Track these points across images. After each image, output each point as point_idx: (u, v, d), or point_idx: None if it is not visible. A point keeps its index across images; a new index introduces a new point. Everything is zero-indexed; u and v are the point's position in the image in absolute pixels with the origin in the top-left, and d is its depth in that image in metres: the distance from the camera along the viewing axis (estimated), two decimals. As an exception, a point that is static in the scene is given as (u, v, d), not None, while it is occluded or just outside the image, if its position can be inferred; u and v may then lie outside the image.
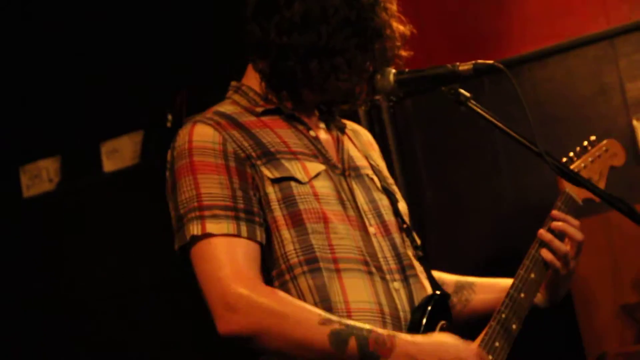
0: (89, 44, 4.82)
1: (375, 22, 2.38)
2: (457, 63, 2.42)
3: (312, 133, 2.46)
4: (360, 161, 2.54)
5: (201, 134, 2.31)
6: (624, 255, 3.76)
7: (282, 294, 2.24)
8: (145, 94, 4.68)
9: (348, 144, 2.56)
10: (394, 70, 2.45)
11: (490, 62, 2.41)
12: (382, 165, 2.68)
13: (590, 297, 3.83)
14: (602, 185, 2.91)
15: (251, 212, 2.28)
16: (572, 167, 2.86)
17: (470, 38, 4.21)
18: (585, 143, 2.96)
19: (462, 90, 2.44)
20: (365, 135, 2.74)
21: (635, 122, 3.89)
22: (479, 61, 2.41)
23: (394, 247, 2.43)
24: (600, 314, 3.80)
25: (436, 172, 4.26)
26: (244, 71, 2.51)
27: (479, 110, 2.43)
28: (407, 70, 2.46)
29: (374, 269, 2.33)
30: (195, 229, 2.24)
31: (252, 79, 2.47)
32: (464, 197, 4.20)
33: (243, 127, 2.36)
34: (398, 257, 2.42)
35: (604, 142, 2.93)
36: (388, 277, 2.36)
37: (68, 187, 4.89)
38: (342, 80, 2.38)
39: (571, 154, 2.89)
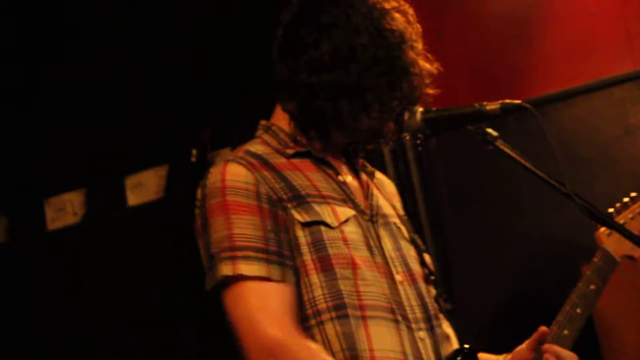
0: (114, 78, 4.84)
1: (403, 59, 2.38)
2: (484, 102, 2.43)
3: (340, 178, 2.45)
4: (388, 209, 2.53)
5: (234, 174, 2.30)
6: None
7: (316, 346, 2.22)
8: (170, 129, 4.70)
9: (376, 191, 2.55)
10: (421, 109, 2.45)
11: (518, 101, 2.42)
12: (403, 215, 2.66)
13: (616, 337, 3.80)
14: None
15: (282, 255, 2.27)
16: (621, 216, 2.81)
17: (495, 77, 4.22)
18: (626, 199, 2.90)
19: (489, 130, 2.44)
20: (390, 186, 2.73)
21: (662, 164, 3.90)
22: (507, 101, 2.41)
23: (420, 296, 2.42)
24: (626, 354, 3.79)
25: (460, 210, 4.26)
26: (272, 110, 2.51)
27: (506, 149, 2.43)
28: (434, 109, 2.46)
29: (400, 317, 2.32)
30: (227, 270, 2.23)
31: (281, 119, 2.47)
32: (488, 236, 4.19)
33: (274, 169, 2.35)
34: (424, 306, 2.41)
35: None
36: (414, 326, 2.34)
37: (92, 221, 4.90)
38: (372, 119, 2.38)
39: (611, 210, 2.82)
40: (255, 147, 2.41)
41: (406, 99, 2.42)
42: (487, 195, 4.19)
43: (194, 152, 4.59)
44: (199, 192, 2.37)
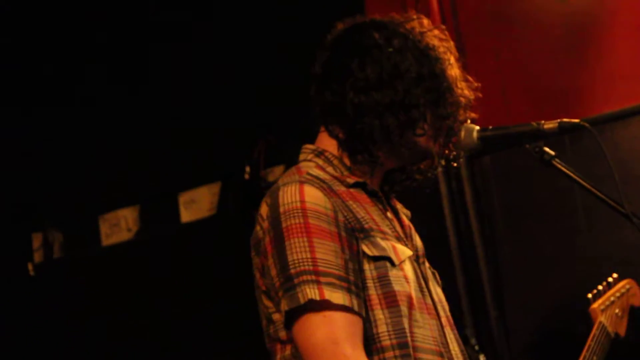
0: (170, 96, 4.90)
1: (445, 77, 2.39)
2: (542, 121, 2.42)
3: (389, 214, 2.43)
4: (423, 251, 2.51)
5: (313, 196, 2.26)
6: None
7: None
8: (223, 146, 4.73)
9: (414, 232, 2.53)
10: (477, 127, 2.45)
11: (576, 120, 2.41)
12: None
13: None
14: (625, 322, 3.02)
15: (358, 287, 2.23)
16: (603, 299, 2.99)
17: (552, 96, 4.20)
18: (610, 279, 3.09)
19: (547, 149, 2.44)
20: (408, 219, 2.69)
21: None
22: (564, 120, 2.41)
23: (458, 341, 2.40)
24: None
25: (514, 230, 4.24)
26: (316, 136, 2.48)
27: (564, 169, 2.42)
28: (490, 127, 2.45)
29: None
30: (312, 293, 2.18)
31: (329, 145, 2.43)
32: (542, 255, 4.16)
33: (339, 197, 2.32)
34: (463, 352, 2.40)
35: (624, 282, 3.02)
36: None
37: (146, 237, 4.93)
38: (417, 135, 2.37)
39: (600, 287, 3.00)
40: (315, 171, 2.37)
41: (451, 117, 2.41)
42: (540, 213, 4.17)
43: (247, 169, 4.60)
44: (265, 210, 2.31)
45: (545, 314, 4.11)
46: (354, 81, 2.36)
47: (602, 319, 2.86)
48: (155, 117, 4.93)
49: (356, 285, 2.22)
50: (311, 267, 2.20)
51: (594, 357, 2.76)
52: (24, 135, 5.16)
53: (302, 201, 2.24)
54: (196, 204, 4.83)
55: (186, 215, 4.85)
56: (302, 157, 2.45)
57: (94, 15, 5.11)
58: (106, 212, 5.03)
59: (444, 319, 2.37)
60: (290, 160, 4.55)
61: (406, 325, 2.25)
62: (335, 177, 2.38)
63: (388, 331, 2.24)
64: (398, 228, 2.44)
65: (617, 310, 2.99)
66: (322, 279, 2.18)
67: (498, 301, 4.20)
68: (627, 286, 3.23)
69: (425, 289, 2.36)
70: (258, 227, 2.31)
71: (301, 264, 2.21)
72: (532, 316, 4.14)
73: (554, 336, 4.06)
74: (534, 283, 4.17)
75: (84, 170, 5.04)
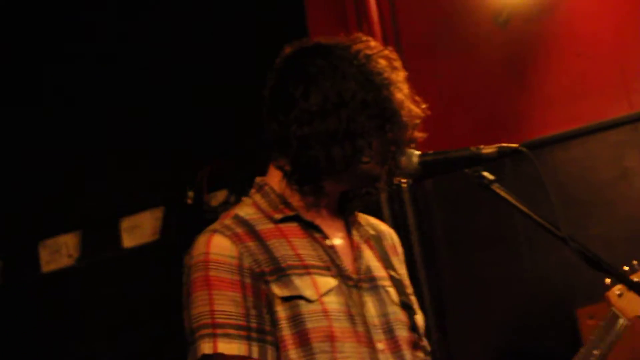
0: (111, 119, 4.87)
1: (391, 101, 2.37)
2: (481, 146, 2.42)
3: (328, 242, 2.40)
4: (378, 272, 2.47)
5: (219, 246, 2.27)
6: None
7: None
8: (166, 171, 4.72)
9: (367, 253, 2.50)
10: (417, 152, 2.43)
11: (515, 145, 2.41)
12: (403, 273, 2.60)
13: None
14: None
15: (263, 331, 2.24)
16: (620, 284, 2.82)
17: (493, 120, 4.24)
18: (636, 262, 2.94)
19: (485, 173, 2.43)
20: (390, 239, 2.67)
21: (658, 206, 3.91)
22: (503, 144, 2.40)
23: None
24: None
25: (456, 252, 4.26)
26: (267, 168, 2.48)
27: (502, 193, 2.41)
28: (431, 152, 2.44)
29: None
30: (206, 348, 2.20)
31: (273, 178, 2.44)
32: (483, 277, 4.18)
33: (259, 238, 2.32)
34: None
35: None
36: None
37: (87, 263, 4.90)
38: (364, 163, 2.36)
39: (626, 268, 2.83)
40: (245, 210, 2.39)
41: (397, 142, 2.40)
42: (482, 237, 4.19)
43: (190, 194, 4.59)
44: (185, 260, 2.32)
45: (487, 337, 4.12)
46: (298, 113, 2.34)
47: (616, 306, 2.75)
48: (98, 140, 4.89)
49: (259, 331, 2.24)
50: (209, 320, 2.22)
51: (594, 351, 2.67)
52: None
53: (207, 252, 2.25)
54: (139, 229, 4.80)
55: (128, 241, 4.82)
56: (250, 192, 2.47)
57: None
58: (46, 238, 4.99)
59: (381, 344, 2.34)
60: (235, 186, 4.54)
61: None
62: (265, 214, 2.38)
63: None
64: (340, 253, 2.41)
65: None
66: (219, 331, 2.20)
67: (440, 324, 4.20)
68: None
69: (357, 317, 2.33)
70: (183, 278, 2.33)
71: (200, 317, 2.23)
72: (474, 339, 4.15)
73: (497, 356, 4.09)
74: (476, 306, 4.18)
75: (24, 194, 5.00)
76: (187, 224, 4.49)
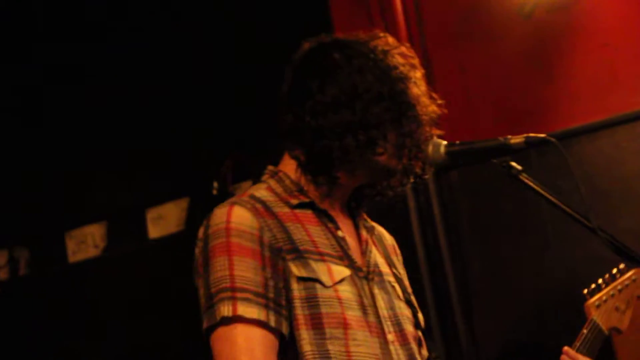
0: (138, 112, 4.90)
1: (406, 95, 2.39)
2: (509, 136, 2.43)
3: (340, 233, 2.42)
4: (384, 267, 2.50)
5: (240, 216, 2.28)
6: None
7: None
8: (191, 162, 4.74)
9: (374, 249, 2.52)
10: (445, 142, 2.45)
11: (542, 135, 2.42)
12: (403, 274, 2.63)
13: None
14: (628, 315, 2.92)
15: (279, 304, 2.25)
16: (600, 295, 2.88)
17: (519, 111, 4.23)
18: (615, 270, 2.96)
19: (513, 163, 2.45)
20: (390, 240, 2.70)
21: (685, 197, 3.89)
22: (531, 134, 2.41)
23: (411, 356, 2.39)
24: None
25: (482, 243, 4.25)
26: (282, 156, 2.50)
27: (530, 183, 2.43)
28: (457, 142, 2.46)
29: None
30: (226, 310, 2.20)
31: (288, 166, 2.45)
32: (509, 269, 4.18)
33: (277, 218, 2.33)
34: None
35: (632, 272, 2.89)
36: None
37: (113, 253, 4.91)
38: (378, 155, 2.38)
39: (600, 280, 2.88)
40: (261, 192, 2.39)
41: (413, 136, 2.41)
42: (508, 228, 4.19)
43: (215, 184, 4.60)
44: (200, 232, 2.34)
45: (512, 325, 4.13)
46: (313, 104, 2.37)
47: (595, 316, 2.80)
48: (125, 133, 4.92)
49: (276, 303, 2.24)
50: (229, 284, 2.21)
51: (582, 350, 2.72)
52: None
53: (228, 222, 2.26)
54: (164, 220, 4.82)
55: (154, 231, 4.84)
56: (263, 177, 2.48)
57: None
58: (73, 228, 5.01)
59: (391, 335, 2.36)
60: (258, 176, 4.55)
61: (335, 347, 2.25)
62: (281, 199, 2.39)
63: (312, 351, 2.25)
64: (350, 246, 2.43)
65: (617, 304, 2.90)
66: (238, 295, 2.20)
67: (466, 313, 4.22)
68: (634, 277, 3.08)
69: (369, 307, 2.35)
70: (196, 249, 2.34)
71: (220, 282, 2.23)
72: (499, 328, 4.16)
73: (522, 347, 4.09)
74: (501, 295, 4.19)
75: (51, 186, 5.03)
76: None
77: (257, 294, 2.22)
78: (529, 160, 3.90)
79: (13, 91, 5.17)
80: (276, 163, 2.51)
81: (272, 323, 2.22)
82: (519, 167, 2.45)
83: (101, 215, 4.98)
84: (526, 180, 2.44)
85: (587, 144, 4.06)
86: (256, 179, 4.09)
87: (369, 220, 2.61)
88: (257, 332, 2.21)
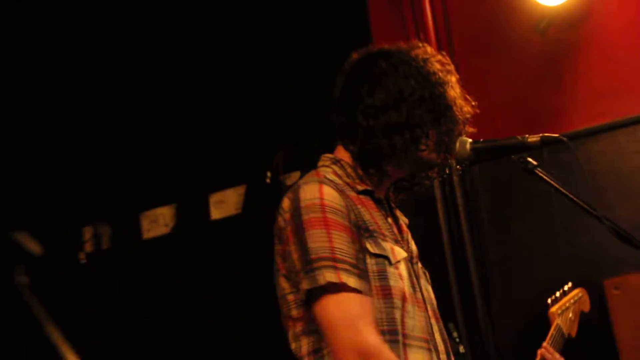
0: (205, 111, 4.91)
1: (445, 98, 2.39)
2: (526, 135, 2.44)
3: (389, 220, 2.43)
4: (417, 253, 2.51)
5: (331, 195, 2.26)
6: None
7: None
8: (248, 154, 4.74)
9: (410, 236, 2.53)
10: (470, 140, 2.45)
11: (556, 135, 2.44)
12: None
13: (633, 343, 3.74)
14: (576, 324, 3.04)
15: (367, 275, 2.25)
16: (559, 304, 3.00)
17: (531, 114, 4.22)
18: (566, 287, 3.11)
19: (530, 159, 2.47)
20: (406, 222, 2.67)
21: (678, 191, 3.88)
22: (546, 134, 2.42)
23: (441, 332, 2.41)
24: None
25: (499, 230, 4.23)
26: (334, 148, 2.49)
27: (545, 177, 2.44)
28: (481, 140, 2.46)
29: (432, 347, 2.33)
30: (331, 277, 2.18)
31: (344, 155, 2.44)
32: (523, 252, 4.16)
33: (351, 200, 2.32)
34: (444, 342, 2.40)
35: (576, 290, 3.05)
36: (441, 356, 2.35)
37: (180, 232, 4.94)
38: (421, 151, 2.37)
39: (557, 294, 3.00)
40: (331, 176, 2.37)
41: (451, 133, 2.41)
42: (522, 216, 4.17)
43: (269, 174, 4.61)
44: (287, 204, 2.30)
45: (525, 303, 4.09)
46: (364, 107, 2.36)
47: (559, 321, 2.89)
48: (193, 128, 4.93)
49: (365, 272, 2.24)
50: (329, 254, 2.20)
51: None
52: (80, 142, 5.17)
53: (322, 198, 2.24)
54: (224, 204, 4.82)
55: (216, 214, 4.85)
56: (320, 163, 2.46)
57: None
58: (146, 210, 5.04)
59: (430, 312, 2.38)
60: (305, 168, 4.53)
61: (397, 316, 2.26)
62: (347, 184, 2.38)
63: (381, 319, 2.24)
64: (396, 232, 2.44)
65: (570, 315, 3.01)
66: (339, 265, 2.19)
67: (485, 294, 4.18)
68: (580, 294, 3.27)
69: (416, 286, 2.36)
70: (280, 219, 2.32)
71: (320, 251, 2.21)
72: (514, 305, 4.13)
73: (534, 324, 4.05)
74: (516, 276, 4.16)
75: (129, 173, 5.07)
76: (265, 200, 4.51)
77: (353, 265, 2.22)
78: (541, 157, 3.87)
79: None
80: (317, 158, 2.49)
81: (367, 291, 2.22)
82: (535, 162, 2.47)
83: (171, 199, 5.01)
84: (541, 174, 2.45)
85: (591, 145, 4.04)
86: (305, 170, 4.06)
87: (400, 212, 2.59)
88: (359, 298, 2.19)
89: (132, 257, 5.01)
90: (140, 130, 5.02)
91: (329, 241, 2.20)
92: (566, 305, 3.02)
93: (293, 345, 2.32)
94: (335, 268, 2.18)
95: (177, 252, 4.91)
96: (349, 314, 2.17)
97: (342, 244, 2.21)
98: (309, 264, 2.21)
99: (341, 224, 2.23)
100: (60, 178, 5.10)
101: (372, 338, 2.15)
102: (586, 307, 3.28)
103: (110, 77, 5.11)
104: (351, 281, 2.18)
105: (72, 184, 5.08)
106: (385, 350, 2.16)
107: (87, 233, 5.13)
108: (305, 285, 2.21)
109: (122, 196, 5.06)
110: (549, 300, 2.92)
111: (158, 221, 5.00)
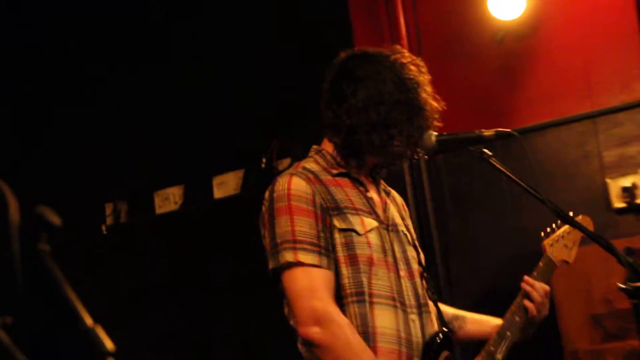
0: (210, 110, 4.87)
1: (418, 100, 2.38)
2: (483, 129, 2.46)
3: (368, 194, 2.44)
4: (398, 220, 2.51)
5: (297, 185, 2.30)
6: (596, 278, 3.72)
7: (352, 327, 2.23)
8: (246, 143, 4.72)
9: (391, 206, 2.53)
10: (435, 133, 2.45)
11: (508, 130, 2.47)
12: (410, 224, 2.61)
13: (569, 308, 3.80)
14: (574, 251, 2.84)
15: (328, 250, 2.27)
16: (552, 236, 2.80)
17: (488, 112, 4.21)
18: (559, 222, 2.89)
19: (485, 150, 2.47)
20: (400, 200, 2.69)
21: (608, 180, 3.90)
22: (500, 129, 2.46)
23: (414, 287, 2.39)
24: (576, 321, 3.79)
25: (459, 210, 4.24)
26: (322, 139, 2.51)
27: (498, 165, 2.45)
28: (444, 133, 2.47)
29: (398, 304, 2.32)
30: (289, 257, 2.23)
31: (328, 146, 2.47)
32: (479, 229, 4.17)
33: (323, 184, 2.35)
34: (417, 296, 2.39)
35: (579, 217, 2.84)
36: (408, 310, 2.34)
37: (188, 209, 4.92)
38: (395, 147, 2.39)
39: (549, 229, 2.84)
40: (310, 164, 2.42)
41: (421, 130, 2.41)
42: (478, 198, 4.17)
43: (264, 160, 4.60)
44: (267, 195, 2.35)
45: (480, 272, 4.13)
46: (348, 106, 2.36)
47: (549, 252, 2.70)
48: (201, 116, 4.90)
49: (326, 249, 2.27)
50: (290, 237, 2.25)
51: (538, 277, 2.68)
52: (101, 133, 5.16)
53: (289, 189, 2.29)
54: (225, 185, 4.81)
55: (218, 193, 4.83)
56: (309, 154, 2.52)
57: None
58: (159, 189, 5.02)
59: (402, 272, 2.37)
60: (295, 155, 4.50)
61: (364, 279, 2.27)
62: (325, 169, 2.41)
63: (349, 284, 2.28)
64: (376, 204, 2.45)
65: (566, 243, 2.78)
66: (298, 245, 2.24)
67: (445, 261, 4.21)
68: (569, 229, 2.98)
69: (388, 250, 2.36)
70: (263, 207, 2.38)
71: (284, 235, 2.26)
72: (471, 274, 4.15)
73: (488, 289, 4.10)
74: (473, 250, 4.18)
75: (145, 157, 5.04)
76: (260, 182, 4.48)
77: (312, 244, 2.25)
78: (495, 149, 3.88)
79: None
80: (309, 148, 2.55)
81: (325, 265, 2.25)
82: (490, 153, 2.47)
83: (180, 180, 4.99)
84: (494, 163, 2.46)
85: (538, 138, 4.05)
86: (294, 157, 4.08)
87: (386, 186, 2.64)
88: (315, 272, 2.24)
89: (146, 230, 5.00)
90: (156, 122, 5.00)
91: (291, 225, 2.24)
92: (560, 235, 2.78)
93: (286, 310, 2.36)
94: (294, 249, 2.22)
95: (185, 226, 4.89)
96: (305, 286, 2.21)
97: (302, 226, 2.25)
98: (274, 247, 2.27)
99: (303, 209, 2.26)
100: (89, 161, 5.08)
101: (325, 305, 2.19)
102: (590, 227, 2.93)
103: (115, 72, 5.04)
104: (308, 258, 2.22)
105: (98, 167, 5.07)
106: (337, 315, 2.20)
107: (108, 209, 5.11)
108: (270, 265, 2.30)
109: (139, 177, 5.04)
110: (543, 234, 2.77)
111: (169, 199, 4.97)
